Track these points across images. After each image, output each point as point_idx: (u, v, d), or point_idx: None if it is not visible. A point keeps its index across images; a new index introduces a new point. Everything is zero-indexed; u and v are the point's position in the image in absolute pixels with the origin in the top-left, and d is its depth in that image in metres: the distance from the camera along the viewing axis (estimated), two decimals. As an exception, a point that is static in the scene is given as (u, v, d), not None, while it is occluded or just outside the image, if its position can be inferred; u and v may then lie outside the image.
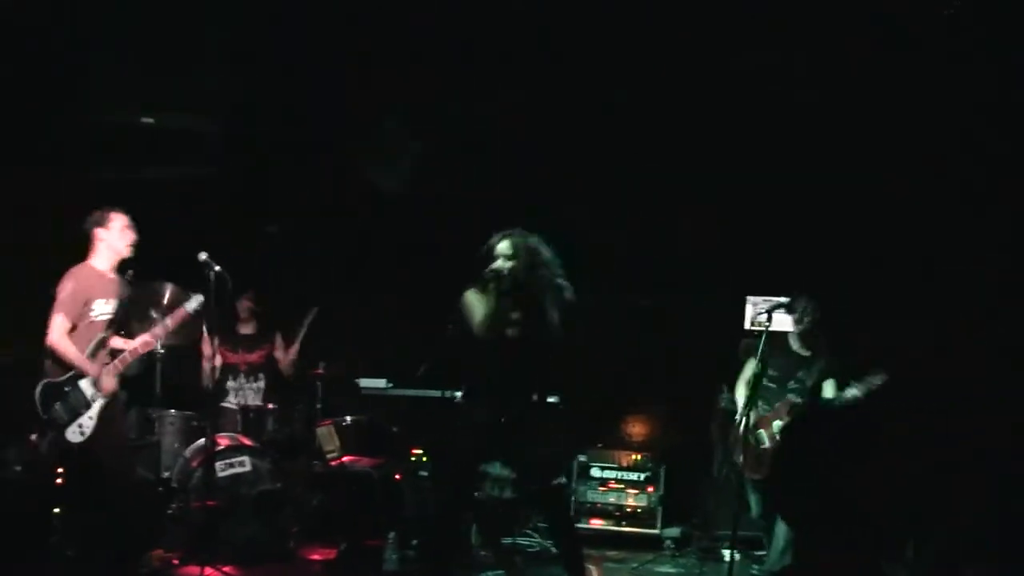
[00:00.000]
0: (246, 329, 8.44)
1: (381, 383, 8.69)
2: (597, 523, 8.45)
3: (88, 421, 6.38)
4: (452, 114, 8.82)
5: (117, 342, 6.67)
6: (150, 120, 8.11)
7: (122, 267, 6.66)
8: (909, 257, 8.28)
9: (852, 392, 7.01)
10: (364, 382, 8.76)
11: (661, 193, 8.94)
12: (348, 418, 8.28)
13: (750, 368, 7.28)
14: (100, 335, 6.53)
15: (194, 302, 6.70)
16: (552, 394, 8.22)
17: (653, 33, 7.90)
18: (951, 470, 7.70)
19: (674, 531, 8.36)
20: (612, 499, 8.50)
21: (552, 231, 6.34)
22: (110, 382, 6.44)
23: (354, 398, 8.65)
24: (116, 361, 6.51)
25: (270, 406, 8.05)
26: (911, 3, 7.42)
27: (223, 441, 7.33)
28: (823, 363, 7.24)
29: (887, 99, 8.04)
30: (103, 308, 6.53)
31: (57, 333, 6.35)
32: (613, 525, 8.46)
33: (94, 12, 7.76)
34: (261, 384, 8.33)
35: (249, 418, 7.94)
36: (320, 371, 8.18)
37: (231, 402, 8.20)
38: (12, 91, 7.88)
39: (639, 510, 8.47)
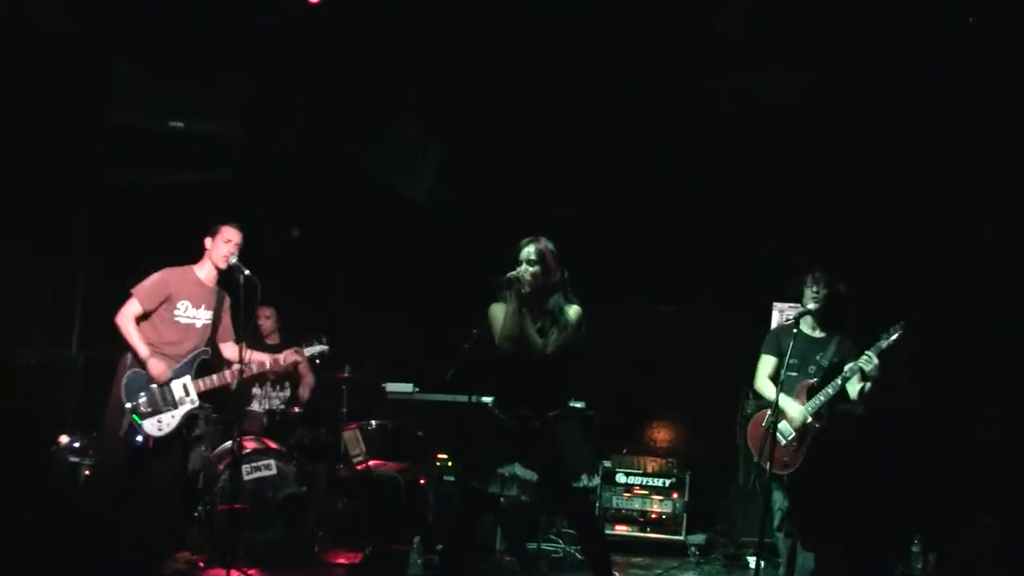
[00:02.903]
0: (272, 339, 8.46)
1: (408, 387, 8.70)
2: (622, 529, 8.44)
3: (170, 420, 6.61)
4: (475, 118, 8.84)
5: (256, 355, 7.05)
6: (179, 124, 8.16)
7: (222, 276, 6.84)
8: (934, 264, 8.26)
9: (866, 360, 6.66)
10: (390, 386, 8.77)
11: (687, 200, 8.92)
12: (374, 422, 8.29)
13: (766, 362, 7.14)
14: (204, 347, 6.79)
15: (316, 348, 7.22)
16: (577, 400, 8.25)
17: (681, 43, 7.91)
18: (972, 478, 7.68)
19: (699, 538, 8.35)
20: (637, 505, 8.49)
21: (577, 239, 6.31)
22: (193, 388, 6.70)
23: (380, 402, 8.67)
24: (215, 376, 6.76)
25: (296, 410, 8.07)
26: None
27: (249, 444, 7.34)
28: (836, 342, 6.97)
29: (912, 109, 8.04)
30: (191, 312, 6.72)
31: (123, 313, 6.57)
32: (638, 531, 8.44)
33: (115, 16, 7.80)
34: (286, 393, 8.34)
35: (275, 422, 7.95)
36: (346, 375, 8.18)
37: (256, 408, 8.22)
38: (32, 95, 7.92)
39: (664, 516, 8.45)
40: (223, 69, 8.31)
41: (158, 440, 6.59)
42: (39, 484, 6.64)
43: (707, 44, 7.90)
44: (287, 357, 7.13)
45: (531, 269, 5.89)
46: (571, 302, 6.02)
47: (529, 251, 5.95)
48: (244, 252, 6.75)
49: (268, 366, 7.07)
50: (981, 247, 8.13)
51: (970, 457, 7.72)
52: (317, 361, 7.61)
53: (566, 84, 8.40)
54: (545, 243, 5.98)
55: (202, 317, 6.78)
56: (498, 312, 5.99)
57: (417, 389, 8.72)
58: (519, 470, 6.05)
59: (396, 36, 8.15)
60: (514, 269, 5.90)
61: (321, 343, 7.29)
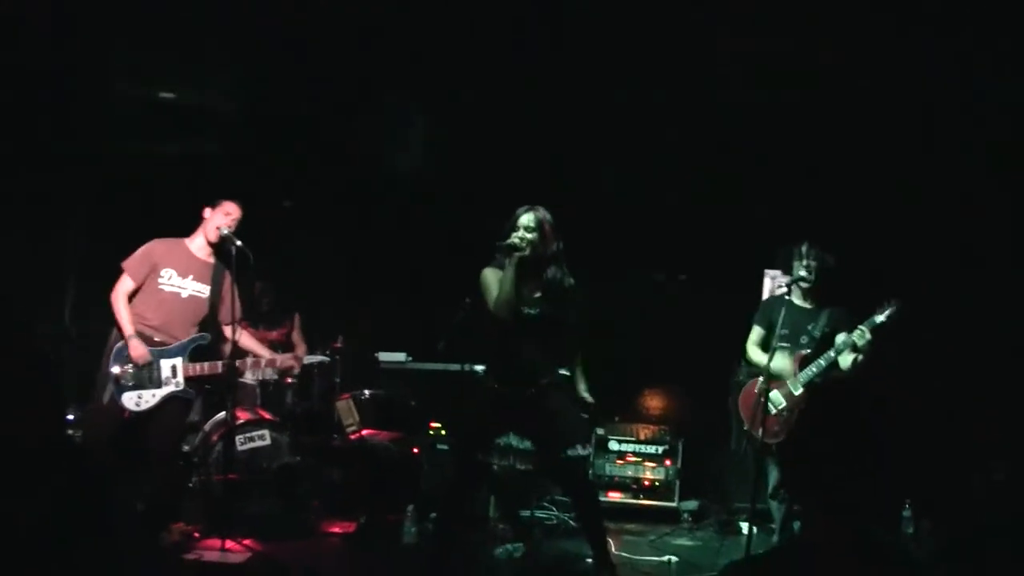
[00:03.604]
0: (266, 308, 8.48)
1: (400, 357, 8.70)
2: (615, 496, 8.47)
3: (150, 398, 6.59)
4: (467, 89, 8.79)
5: (247, 342, 7.06)
6: (169, 95, 8.12)
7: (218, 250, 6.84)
8: (925, 236, 8.25)
9: (859, 335, 6.68)
10: (383, 356, 8.77)
11: (679, 171, 8.90)
12: (367, 392, 8.31)
13: (754, 333, 7.25)
14: (203, 333, 6.83)
15: (316, 358, 7.45)
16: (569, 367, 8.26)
17: (665, 16, 7.85)
18: (967, 447, 7.69)
19: (691, 504, 8.38)
20: (630, 472, 8.53)
21: (570, 207, 6.31)
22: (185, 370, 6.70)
23: (373, 372, 8.67)
24: (207, 364, 6.76)
25: (289, 380, 8.08)
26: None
27: (243, 415, 7.37)
28: (828, 312, 7.01)
29: (896, 75, 7.99)
30: (176, 280, 6.72)
31: (117, 290, 6.62)
32: (631, 498, 8.48)
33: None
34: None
35: (268, 392, 7.97)
36: (339, 345, 8.19)
37: (248, 379, 8.22)
38: (22, 70, 7.88)
39: (657, 483, 8.49)
40: (215, 49, 8.26)
41: (137, 416, 6.60)
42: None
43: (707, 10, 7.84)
44: (284, 361, 7.14)
45: (529, 236, 5.92)
46: (567, 275, 6.05)
47: (528, 219, 5.98)
48: (238, 230, 6.76)
49: (263, 364, 7.10)
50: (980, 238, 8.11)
51: (961, 427, 7.74)
52: (315, 370, 7.91)
53: (556, 61, 8.35)
54: (543, 212, 6.02)
55: (188, 288, 6.76)
56: (491, 277, 6.01)
57: (410, 358, 8.72)
58: (514, 440, 6.09)
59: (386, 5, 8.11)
60: (510, 236, 5.92)
61: (324, 355, 7.47)
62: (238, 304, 6.90)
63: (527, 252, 5.90)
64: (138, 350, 6.53)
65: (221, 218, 6.73)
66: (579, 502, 6.40)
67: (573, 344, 6.38)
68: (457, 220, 8.95)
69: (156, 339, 6.67)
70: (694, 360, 8.71)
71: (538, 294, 6.00)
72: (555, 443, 6.10)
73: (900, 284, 7.18)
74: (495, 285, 5.95)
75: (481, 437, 6.22)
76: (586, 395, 6.34)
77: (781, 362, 6.93)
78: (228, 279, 6.89)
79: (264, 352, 7.08)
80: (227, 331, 6.88)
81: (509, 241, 5.90)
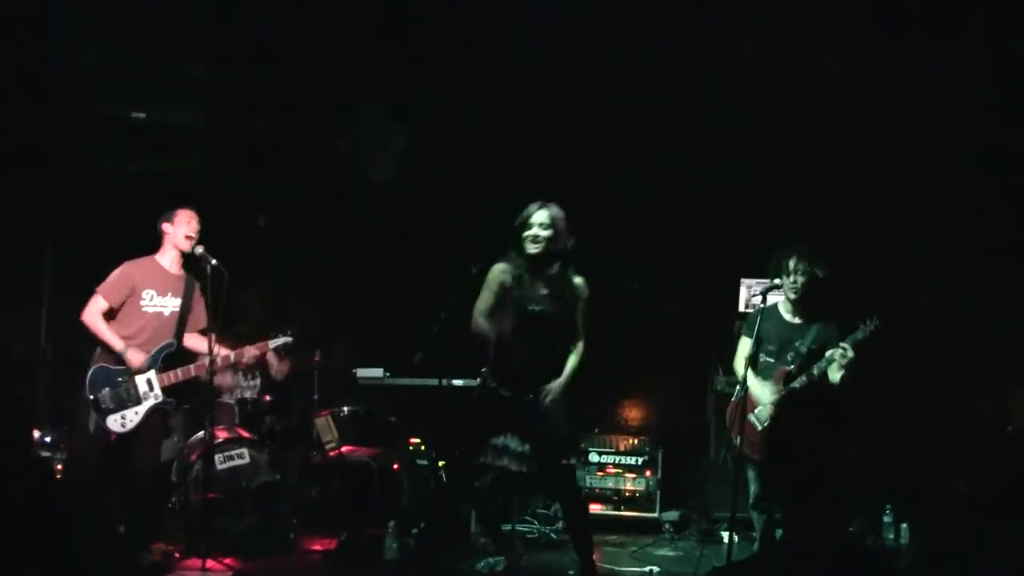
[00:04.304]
0: (243, 327, 8.44)
1: (378, 372, 8.68)
2: (596, 508, 8.44)
3: (134, 416, 6.56)
4: (442, 97, 8.80)
5: (221, 349, 6.90)
6: (141, 115, 8.10)
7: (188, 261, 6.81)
8: (901, 235, 8.28)
9: (841, 354, 6.58)
10: (361, 372, 8.74)
11: (654, 176, 8.91)
12: (345, 408, 8.28)
13: (745, 345, 7.01)
14: (169, 340, 6.72)
15: (280, 340, 7.18)
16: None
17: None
18: (943, 446, 7.71)
19: (672, 514, 8.38)
20: (610, 484, 8.52)
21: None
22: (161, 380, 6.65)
23: (351, 388, 8.64)
24: (179, 370, 6.71)
25: (267, 398, 8.05)
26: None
27: (221, 434, 7.34)
28: (816, 327, 6.87)
29: (877, 76, 8.03)
30: (157, 300, 6.69)
31: (89, 311, 6.57)
32: (612, 509, 8.47)
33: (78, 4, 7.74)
34: (258, 382, 8.31)
35: (247, 410, 7.94)
36: (317, 360, 8.17)
37: (226, 399, 8.18)
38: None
39: (637, 494, 8.48)
40: (187, 56, 8.25)
41: (122, 436, 6.56)
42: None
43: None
44: (250, 352, 7.09)
45: (543, 234, 5.91)
46: (574, 272, 6.07)
47: (542, 216, 5.96)
48: (212, 242, 6.73)
49: (232, 359, 7.03)
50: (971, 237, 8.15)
51: (940, 429, 7.76)
52: (282, 353, 7.73)
53: (536, 56, 8.36)
54: (555, 209, 6.02)
55: (169, 305, 6.75)
56: (493, 278, 6.01)
57: (388, 374, 8.70)
58: (511, 442, 6.05)
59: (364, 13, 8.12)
60: (523, 234, 5.92)
61: (285, 335, 7.29)
62: (205, 312, 6.88)
63: (540, 252, 5.92)
64: (137, 358, 6.53)
65: (185, 228, 6.72)
66: (570, 510, 6.40)
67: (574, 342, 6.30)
68: (433, 232, 8.93)
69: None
70: (672, 370, 8.73)
71: (544, 291, 5.98)
72: (553, 450, 6.09)
73: (893, 288, 7.20)
74: (488, 292, 5.98)
75: (481, 438, 6.16)
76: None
77: (767, 377, 6.90)
78: (197, 289, 6.87)
79: (228, 351, 7.01)
80: (187, 339, 6.86)
81: (523, 237, 5.91)
